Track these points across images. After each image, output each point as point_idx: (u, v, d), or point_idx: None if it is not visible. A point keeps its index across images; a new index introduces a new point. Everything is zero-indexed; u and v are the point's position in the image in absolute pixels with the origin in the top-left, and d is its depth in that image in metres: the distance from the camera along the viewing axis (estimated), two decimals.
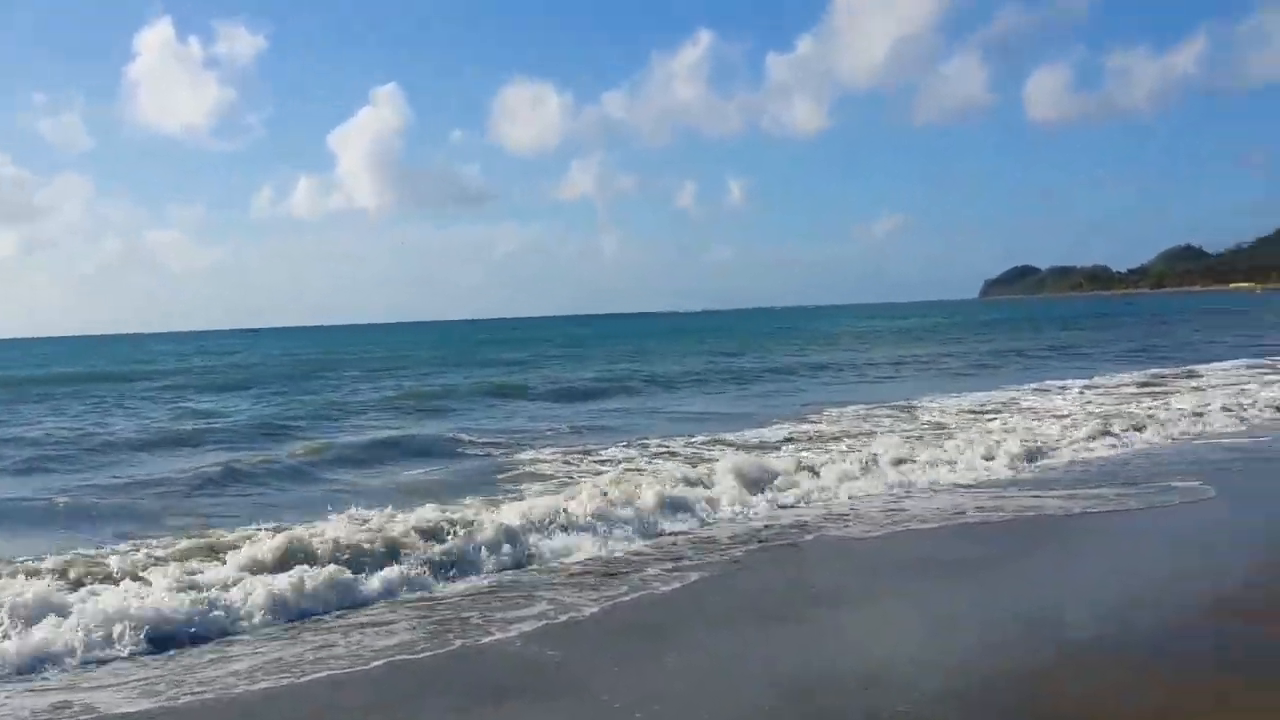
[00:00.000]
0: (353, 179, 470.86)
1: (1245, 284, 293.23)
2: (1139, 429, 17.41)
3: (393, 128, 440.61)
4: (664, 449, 17.46)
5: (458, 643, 7.60)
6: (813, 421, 21.21)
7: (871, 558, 10.02)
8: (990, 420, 19.86)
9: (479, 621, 8.08)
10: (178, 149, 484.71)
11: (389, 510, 11.04)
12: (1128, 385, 26.56)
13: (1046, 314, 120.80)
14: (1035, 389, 26.39)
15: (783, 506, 12.32)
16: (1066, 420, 19.11)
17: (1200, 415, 18.82)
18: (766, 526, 11.33)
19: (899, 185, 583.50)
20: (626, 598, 8.69)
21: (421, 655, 7.37)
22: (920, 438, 17.64)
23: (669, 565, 9.69)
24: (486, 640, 7.65)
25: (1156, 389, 25.23)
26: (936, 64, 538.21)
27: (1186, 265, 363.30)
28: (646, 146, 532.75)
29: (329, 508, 11.32)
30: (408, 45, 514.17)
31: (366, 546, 9.79)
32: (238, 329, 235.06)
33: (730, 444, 17.79)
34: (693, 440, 18.40)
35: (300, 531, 10.18)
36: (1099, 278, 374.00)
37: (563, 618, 8.14)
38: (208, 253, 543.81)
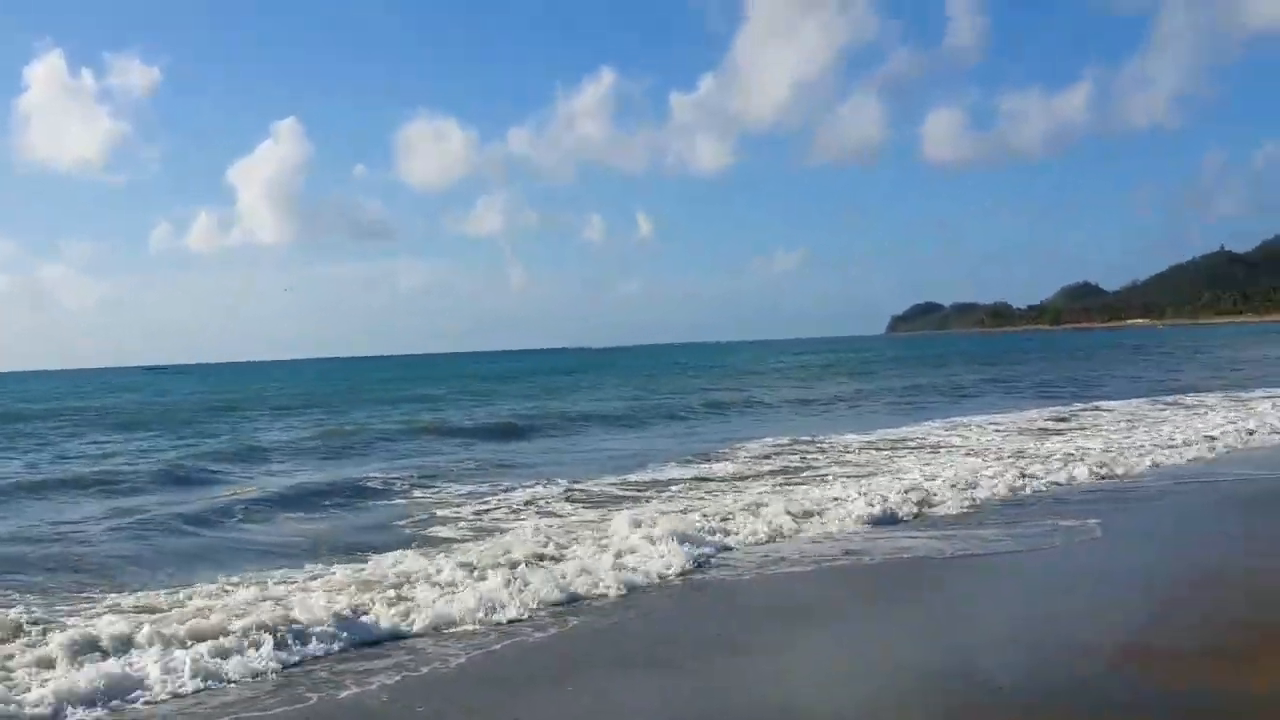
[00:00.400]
0: (253, 214, 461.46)
1: (1142, 320, 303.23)
2: (1028, 471, 17.39)
3: (294, 162, 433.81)
4: (577, 489, 17.22)
5: (313, 697, 7.21)
6: (719, 459, 21.17)
7: (744, 601, 9.78)
8: (896, 458, 19.96)
9: (331, 676, 7.68)
10: (69, 183, 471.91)
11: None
12: (1035, 421, 26.86)
13: (952, 350, 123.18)
14: (943, 425, 26.59)
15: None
16: (967, 458, 19.25)
17: (1109, 452, 18.92)
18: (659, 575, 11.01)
19: (802, 222, 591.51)
20: (496, 646, 8.34)
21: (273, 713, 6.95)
22: (816, 476, 17.65)
23: (546, 613, 9.36)
24: (344, 695, 7.26)
25: (1063, 425, 25.57)
26: (834, 104, 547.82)
27: (1084, 302, 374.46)
28: (551, 183, 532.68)
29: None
30: (309, 79, 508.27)
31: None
32: (137, 366, 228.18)
33: (634, 484, 17.76)
34: (600, 480, 18.20)
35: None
36: (1001, 314, 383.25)
37: (424, 669, 7.77)
38: (102, 288, 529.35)
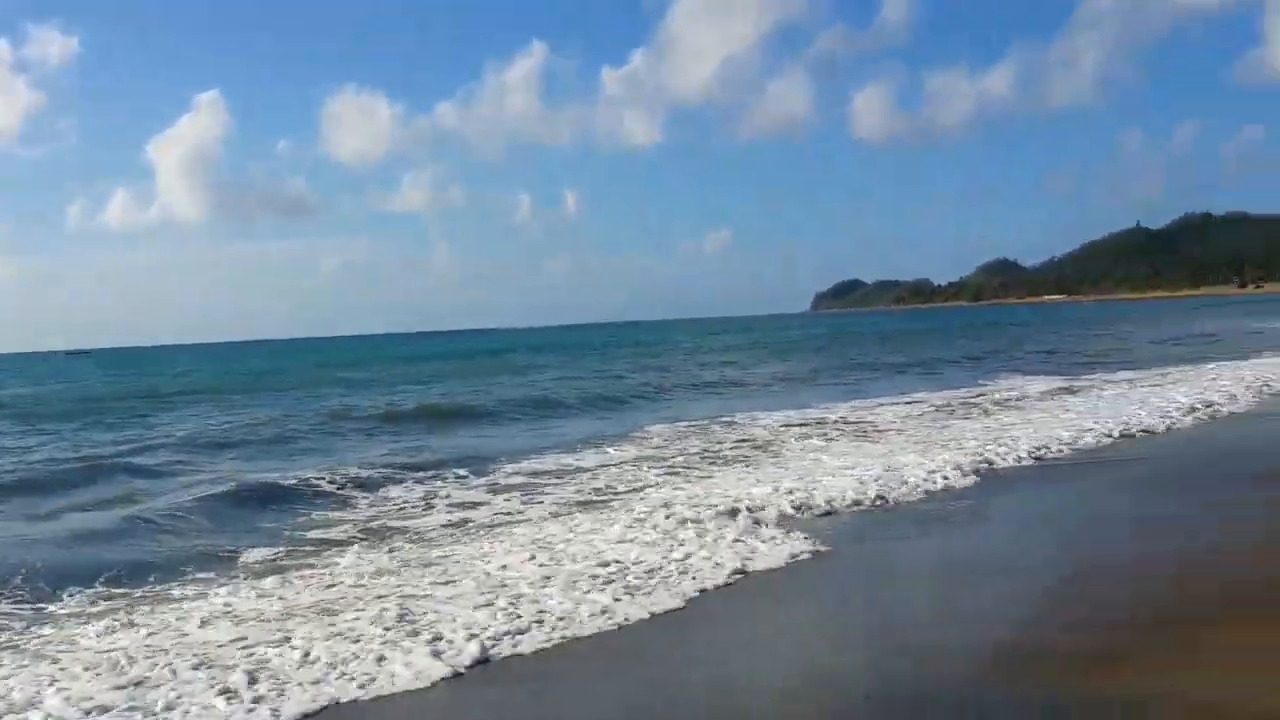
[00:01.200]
0: (173, 189, 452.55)
1: (1059, 295, 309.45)
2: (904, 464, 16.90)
3: (215, 136, 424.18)
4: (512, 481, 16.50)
5: None
6: (636, 442, 20.58)
7: None
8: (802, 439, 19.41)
9: None
10: None
11: None
12: (945, 401, 26.49)
13: (873, 327, 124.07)
14: (855, 406, 26.08)
15: None
16: (866, 444, 18.76)
17: (989, 443, 18.45)
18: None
19: (730, 199, 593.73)
20: None
21: None
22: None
23: None
24: None
25: (971, 406, 25.21)
26: (764, 81, 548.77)
27: (1003, 278, 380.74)
28: (480, 158, 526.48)
29: None
30: (232, 51, 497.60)
31: None
32: (60, 351, 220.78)
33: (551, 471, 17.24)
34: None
35: None
36: (921, 291, 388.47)
37: None
38: (19, 266, 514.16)
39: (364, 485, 16.48)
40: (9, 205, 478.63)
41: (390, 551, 11.61)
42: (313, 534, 13.23)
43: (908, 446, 17.60)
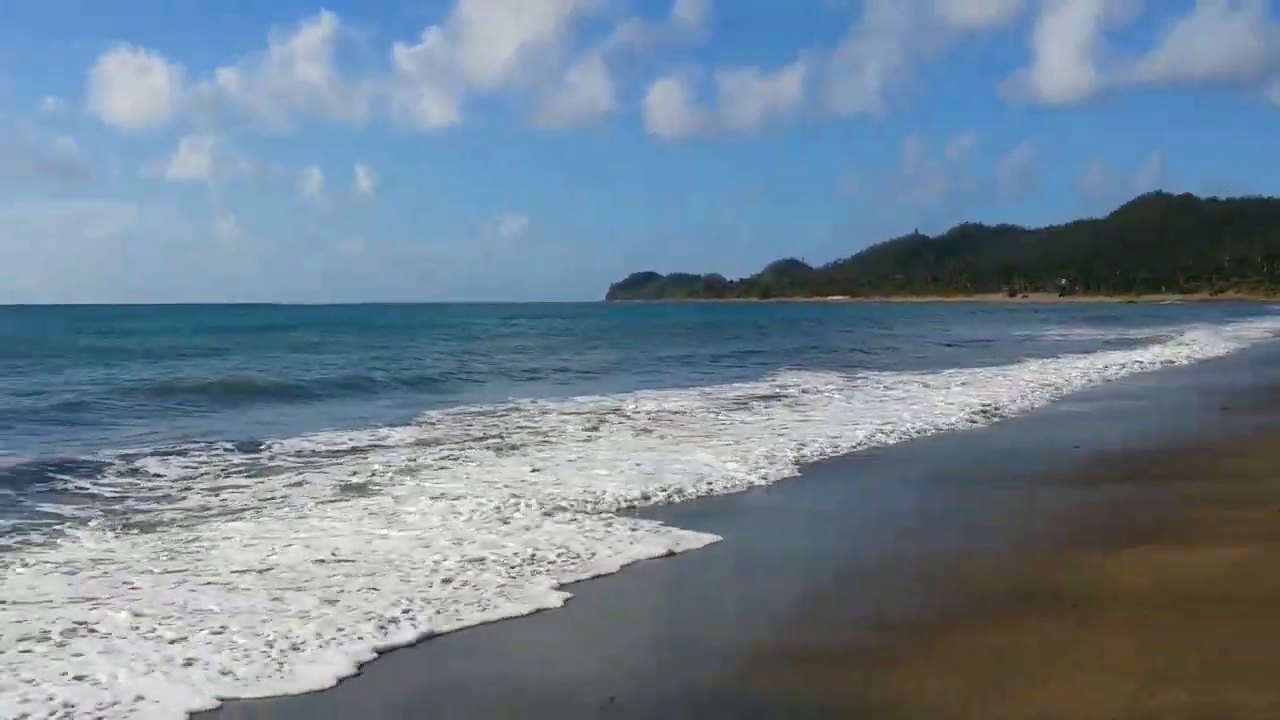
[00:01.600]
0: None
1: (842, 296, 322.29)
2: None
3: None
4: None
5: None
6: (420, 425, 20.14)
7: None
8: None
9: None
10: None
11: None
12: (730, 395, 26.81)
13: (665, 318, 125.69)
14: (645, 396, 26.07)
15: None
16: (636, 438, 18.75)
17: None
18: None
19: (527, 186, 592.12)
20: None
21: None
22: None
23: None
24: None
25: (755, 402, 25.56)
26: (561, 70, 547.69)
27: (791, 277, 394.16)
28: (266, 129, 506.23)
29: None
30: None
31: None
32: None
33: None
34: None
35: None
36: (714, 286, 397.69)
37: None
38: None
39: (122, 462, 15.39)
40: None
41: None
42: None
43: (687, 441, 17.67)
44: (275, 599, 8.33)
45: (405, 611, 7.99)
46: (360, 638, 7.42)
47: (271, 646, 7.19)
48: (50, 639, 7.37)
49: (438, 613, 8.01)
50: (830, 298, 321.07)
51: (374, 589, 8.59)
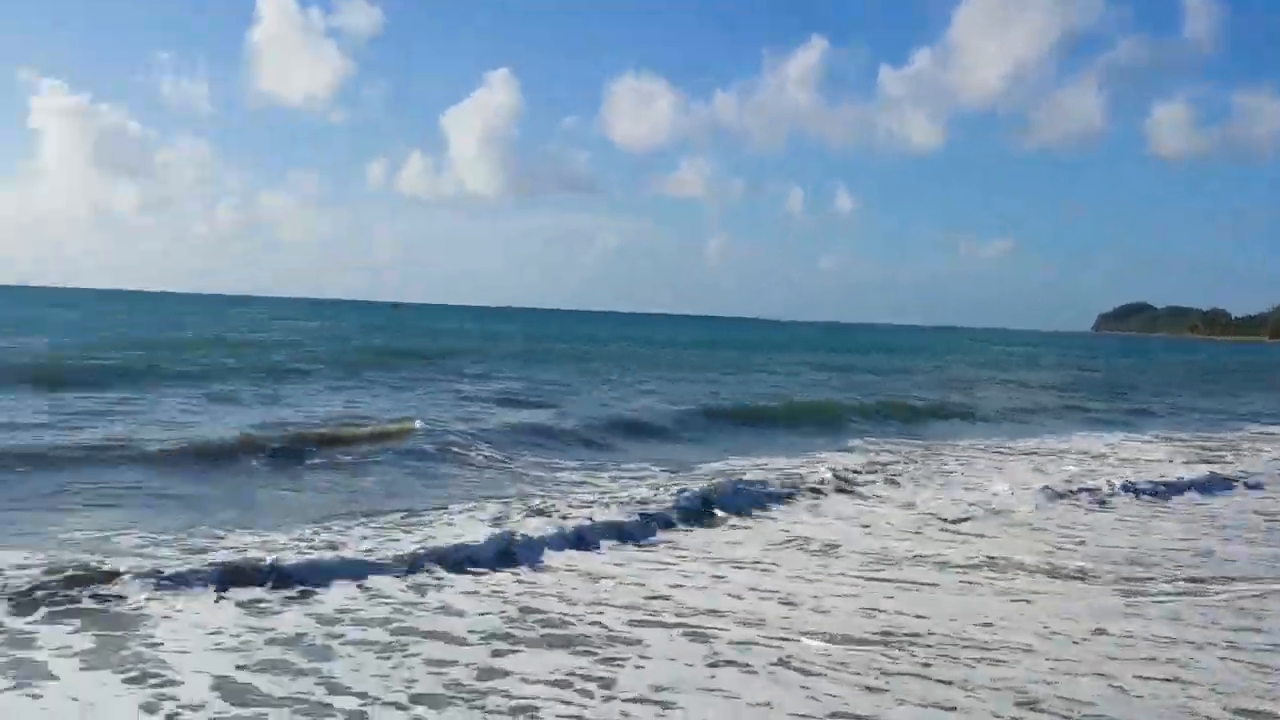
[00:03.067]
0: (464, 160, 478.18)
1: None
2: None
3: (505, 112, 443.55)
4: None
5: None
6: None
7: None
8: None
9: None
10: (296, 117, 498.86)
11: None
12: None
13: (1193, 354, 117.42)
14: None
15: None
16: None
17: None
18: None
19: (1013, 209, 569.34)
20: None
21: None
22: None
23: None
24: None
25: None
26: (1053, 89, 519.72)
27: None
28: (754, 152, 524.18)
29: None
30: (521, 31, 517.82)
31: None
32: (384, 302, 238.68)
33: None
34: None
35: None
36: (1215, 321, 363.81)
37: None
38: (321, 223, 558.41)
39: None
40: (318, 162, 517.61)
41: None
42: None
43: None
44: None
45: None
46: None
47: None
48: None
49: None
50: None
51: None
